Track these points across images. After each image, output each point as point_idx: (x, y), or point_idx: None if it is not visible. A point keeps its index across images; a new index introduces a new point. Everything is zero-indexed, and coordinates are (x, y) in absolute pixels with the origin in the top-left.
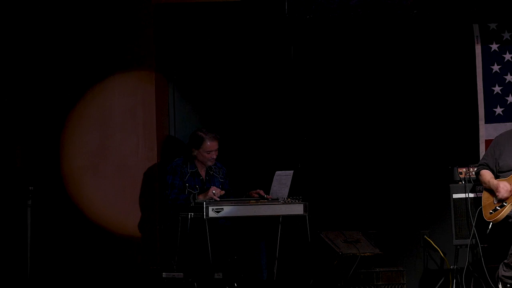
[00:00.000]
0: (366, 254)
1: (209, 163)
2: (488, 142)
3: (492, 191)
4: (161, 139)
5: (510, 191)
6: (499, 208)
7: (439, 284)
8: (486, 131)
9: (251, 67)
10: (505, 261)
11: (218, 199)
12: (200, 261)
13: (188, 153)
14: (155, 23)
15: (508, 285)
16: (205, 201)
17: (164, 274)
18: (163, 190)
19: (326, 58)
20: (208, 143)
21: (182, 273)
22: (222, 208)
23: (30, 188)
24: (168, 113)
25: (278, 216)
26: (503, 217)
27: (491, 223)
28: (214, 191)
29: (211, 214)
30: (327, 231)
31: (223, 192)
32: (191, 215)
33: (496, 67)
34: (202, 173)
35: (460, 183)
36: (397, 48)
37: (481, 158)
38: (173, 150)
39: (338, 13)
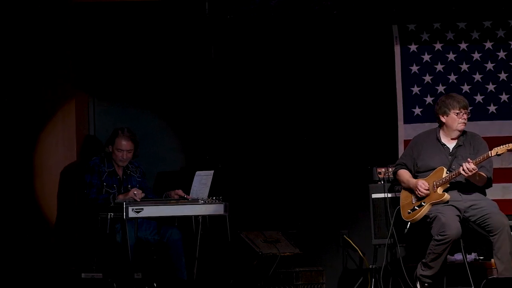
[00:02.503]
0: (286, 254)
1: (120, 164)
2: (406, 142)
3: (411, 191)
4: (80, 138)
5: (429, 189)
6: (417, 208)
7: (358, 283)
8: (405, 131)
9: (171, 67)
10: (423, 260)
11: (138, 200)
12: (119, 261)
13: (105, 151)
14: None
15: (426, 284)
16: (125, 201)
17: (83, 275)
18: (82, 189)
19: (246, 58)
20: (121, 141)
21: (101, 274)
22: (142, 209)
23: None
24: (88, 111)
25: (198, 216)
26: (421, 216)
27: (409, 223)
28: (135, 192)
29: (131, 214)
30: (247, 231)
31: (143, 194)
32: (110, 215)
33: (415, 68)
34: (119, 172)
35: (379, 183)
36: (317, 48)
37: (399, 157)
38: (93, 150)
39: (258, 13)
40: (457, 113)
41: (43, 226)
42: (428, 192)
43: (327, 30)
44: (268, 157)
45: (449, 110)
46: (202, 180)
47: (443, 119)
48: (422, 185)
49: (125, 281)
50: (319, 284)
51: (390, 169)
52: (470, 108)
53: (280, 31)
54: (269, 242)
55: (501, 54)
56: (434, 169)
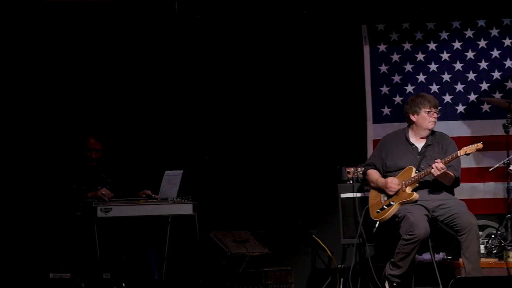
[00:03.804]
0: (254, 254)
1: (91, 163)
2: (375, 142)
3: (380, 190)
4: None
5: (399, 184)
6: (386, 207)
7: (326, 283)
8: (374, 131)
9: (140, 66)
10: (392, 259)
11: (107, 199)
12: (88, 261)
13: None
14: None
15: (395, 284)
16: (94, 201)
17: (51, 275)
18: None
19: (216, 57)
20: (90, 139)
21: (69, 273)
22: (111, 208)
23: None
24: None
25: (168, 216)
26: (390, 216)
27: (378, 222)
28: (103, 193)
29: (100, 214)
30: (216, 231)
31: (112, 194)
32: (79, 214)
33: (384, 68)
34: (91, 171)
35: (348, 182)
36: (287, 48)
37: (368, 158)
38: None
39: (228, 13)
40: (428, 111)
41: (9, 225)
42: (398, 187)
43: (296, 30)
44: (237, 157)
45: (420, 109)
46: (171, 180)
47: (413, 118)
48: (392, 181)
49: (93, 281)
50: (288, 284)
51: (359, 168)
52: (439, 108)
53: (249, 30)
54: (238, 242)
55: (470, 54)
56: (403, 168)
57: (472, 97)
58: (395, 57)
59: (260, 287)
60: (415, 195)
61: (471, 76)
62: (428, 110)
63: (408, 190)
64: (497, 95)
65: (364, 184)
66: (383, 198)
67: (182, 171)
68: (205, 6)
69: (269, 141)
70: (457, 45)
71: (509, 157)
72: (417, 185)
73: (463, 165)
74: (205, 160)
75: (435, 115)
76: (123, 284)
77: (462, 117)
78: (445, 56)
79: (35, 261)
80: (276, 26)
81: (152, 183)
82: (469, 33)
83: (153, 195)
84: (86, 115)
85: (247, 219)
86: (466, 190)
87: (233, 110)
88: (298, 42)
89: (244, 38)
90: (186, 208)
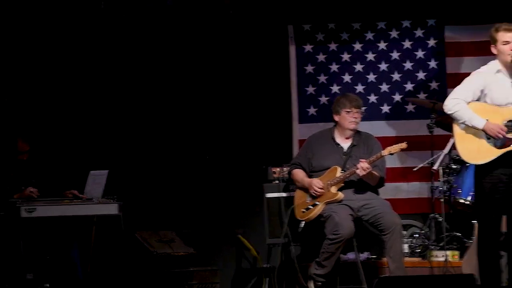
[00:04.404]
0: (180, 254)
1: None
2: (301, 142)
3: (305, 190)
4: None
5: (323, 188)
6: (311, 207)
7: (252, 283)
8: (300, 131)
9: (63, 67)
10: (317, 259)
11: (35, 196)
12: (11, 261)
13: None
14: None
15: (319, 283)
16: (18, 201)
17: None
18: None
19: (143, 56)
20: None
21: None
22: (35, 208)
23: None
24: None
25: (93, 215)
26: (315, 216)
27: (303, 222)
28: (31, 190)
29: (24, 214)
30: (141, 230)
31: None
32: (2, 214)
33: (310, 68)
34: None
35: (274, 182)
36: (214, 48)
37: (294, 157)
38: None
39: (155, 12)
40: (348, 111)
41: None
42: (322, 191)
43: (223, 30)
44: (163, 157)
45: (341, 109)
46: (96, 180)
47: (336, 118)
48: (317, 183)
49: (16, 281)
50: (213, 284)
51: (284, 168)
52: (364, 108)
53: (176, 31)
54: (164, 242)
55: (395, 55)
56: (328, 168)
57: (397, 97)
58: (321, 57)
59: (186, 287)
60: (340, 195)
61: (396, 76)
62: (348, 110)
63: (333, 189)
64: (422, 96)
65: (289, 184)
66: (309, 198)
67: (107, 171)
68: (131, 5)
69: (195, 141)
70: (382, 45)
71: (433, 157)
72: (342, 184)
73: (387, 165)
74: (130, 160)
75: (356, 115)
76: (48, 285)
77: (387, 117)
78: (370, 56)
79: None
80: (203, 26)
81: (78, 183)
82: (394, 34)
83: (80, 195)
84: (13, 115)
85: (173, 219)
86: (391, 190)
87: (159, 109)
88: (225, 42)
89: (170, 37)
90: (111, 208)
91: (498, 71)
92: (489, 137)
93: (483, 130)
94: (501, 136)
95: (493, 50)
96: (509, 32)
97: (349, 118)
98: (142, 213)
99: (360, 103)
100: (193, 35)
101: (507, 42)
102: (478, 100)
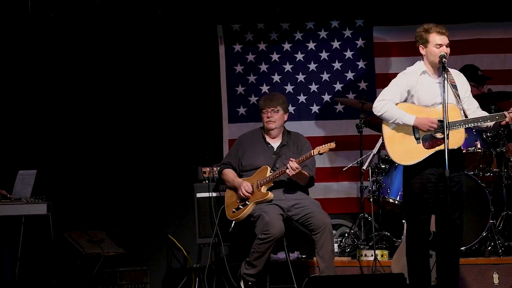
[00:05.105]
0: (110, 254)
1: None
2: (231, 142)
3: (236, 190)
4: None
5: (252, 191)
6: (241, 207)
7: (182, 282)
8: (230, 131)
9: None
10: (247, 259)
11: None
12: None
13: None
14: None
15: (250, 283)
16: None
17: None
18: None
19: (73, 56)
20: None
21: None
22: None
23: None
24: None
25: (21, 216)
26: (246, 215)
27: (233, 222)
28: None
29: None
30: (71, 230)
31: None
32: None
33: (239, 68)
34: None
35: (204, 182)
36: (143, 48)
37: (224, 157)
38: None
39: (83, 11)
40: (263, 112)
41: None
42: (249, 194)
43: (152, 29)
44: (92, 156)
45: (260, 109)
46: (25, 180)
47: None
48: (246, 186)
49: None
50: (143, 284)
51: (215, 168)
52: (293, 108)
53: (105, 31)
54: (93, 242)
55: (324, 55)
56: (258, 168)
57: (326, 97)
58: (251, 57)
59: (115, 287)
60: (270, 195)
61: (325, 76)
62: (263, 110)
63: (263, 189)
64: (351, 96)
65: (220, 183)
66: (239, 198)
67: (36, 170)
68: (59, 5)
69: (125, 140)
70: (311, 45)
71: (362, 157)
72: (272, 184)
73: (317, 165)
74: (59, 160)
75: (269, 114)
76: None
77: (317, 117)
78: (299, 56)
79: None
80: (132, 25)
81: (6, 183)
82: (323, 34)
83: (8, 195)
84: None
85: (103, 219)
86: (320, 190)
87: (90, 109)
88: (154, 41)
89: (100, 37)
90: (40, 208)
91: (424, 72)
92: (418, 137)
93: (414, 126)
94: (433, 129)
95: (422, 51)
96: (442, 35)
97: (264, 118)
98: (71, 213)
99: (274, 102)
100: (122, 35)
101: (440, 45)
102: (405, 101)
